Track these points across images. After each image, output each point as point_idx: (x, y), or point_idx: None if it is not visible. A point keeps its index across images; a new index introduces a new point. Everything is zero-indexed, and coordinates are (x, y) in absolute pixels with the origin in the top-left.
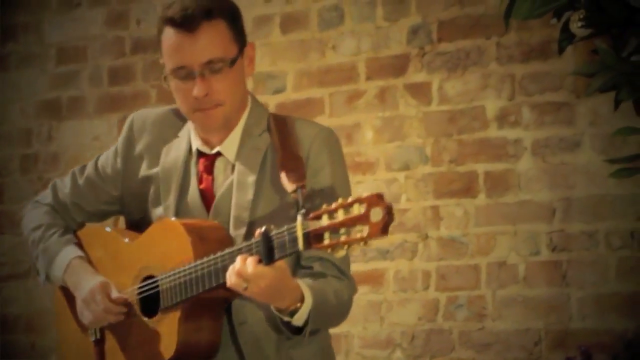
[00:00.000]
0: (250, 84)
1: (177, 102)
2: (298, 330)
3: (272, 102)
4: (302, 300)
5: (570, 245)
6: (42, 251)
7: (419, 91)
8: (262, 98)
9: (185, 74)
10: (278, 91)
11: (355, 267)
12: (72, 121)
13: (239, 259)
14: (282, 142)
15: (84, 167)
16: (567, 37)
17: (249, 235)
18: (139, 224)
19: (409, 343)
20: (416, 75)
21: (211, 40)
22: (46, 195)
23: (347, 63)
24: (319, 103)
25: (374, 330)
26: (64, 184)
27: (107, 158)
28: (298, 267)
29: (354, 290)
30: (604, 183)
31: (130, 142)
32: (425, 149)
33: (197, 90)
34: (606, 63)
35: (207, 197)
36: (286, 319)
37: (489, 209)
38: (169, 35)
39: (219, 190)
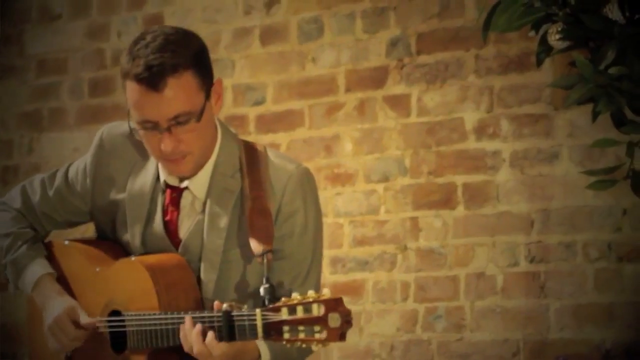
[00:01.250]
0: (229, 96)
1: (147, 149)
2: None
3: (251, 114)
4: (260, 357)
5: (548, 257)
6: (10, 262)
7: (398, 103)
8: (241, 110)
9: (151, 126)
10: (258, 103)
11: (335, 278)
12: (52, 133)
13: (195, 334)
14: (253, 187)
15: (53, 177)
16: (545, 49)
17: (219, 280)
18: (108, 237)
19: (388, 354)
20: (395, 87)
21: (177, 96)
22: (14, 199)
23: (327, 75)
24: (298, 115)
25: (353, 341)
26: (34, 190)
27: (77, 174)
28: None
29: None
30: (581, 194)
31: (99, 163)
32: (404, 161)
33: (164, 146)
34: (584, 75)
35: (171, 230)
36: None
37: (468, 220)
38: (134, 89)
39: (188, 228)
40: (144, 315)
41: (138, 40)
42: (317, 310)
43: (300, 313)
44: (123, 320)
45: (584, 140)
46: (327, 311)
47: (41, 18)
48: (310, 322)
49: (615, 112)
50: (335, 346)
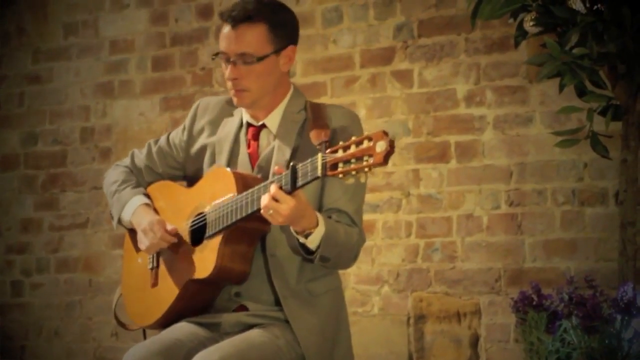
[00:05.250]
0: None
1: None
2: (312, 255)
3: None
4: (316, 226)
5: (524, 201)
6: (116, 200)
7: (403, 77)
8: None
9: (224, 58)
10: (289, 76)
11: None
12: (122, 100)
13: (272, 190)
14: (315, 117)
15: (157, 140)
16: (521, 33)
17: None
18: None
19: (395, 280)
20: (401, 64)
21: (246, 38)
22: (125, 160)
23: (345, 54)
24: (322, 86)
25: (366, 269)
26: (141, 152)
27: (177, 132)
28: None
29: (362, 238)
30: (551, 151)
31: (194, 119)
32: (408, 124)
33: (227, 73)
34: (553, 55)
35: (253, 159)
36: (302, 240)
37: (459, 171)
38: (222, 26)
39: (263, 153)
40: (222, 204)
41: None
42: (367, 144)
43: (353, 149)
44: (204, 216)
45: (552, 107)
46: (376, 141)
47: (113, 6)
48: (361, 153)
49: (578, 84)
50: (351, 272)
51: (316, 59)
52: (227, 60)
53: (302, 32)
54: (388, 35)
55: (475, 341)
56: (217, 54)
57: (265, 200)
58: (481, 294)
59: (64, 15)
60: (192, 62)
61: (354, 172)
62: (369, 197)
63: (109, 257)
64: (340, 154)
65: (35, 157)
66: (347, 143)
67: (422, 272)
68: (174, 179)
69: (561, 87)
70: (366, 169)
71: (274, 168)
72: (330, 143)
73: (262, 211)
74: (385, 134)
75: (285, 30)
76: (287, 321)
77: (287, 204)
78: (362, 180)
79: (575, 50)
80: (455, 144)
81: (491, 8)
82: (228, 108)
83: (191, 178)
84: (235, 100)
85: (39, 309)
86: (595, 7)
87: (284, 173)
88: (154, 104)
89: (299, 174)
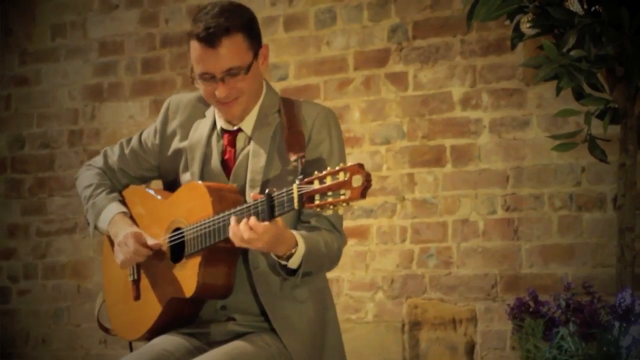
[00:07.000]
0: None
1: (205, 97)
2: (294, 272)
3: (277, 88)
4: (296, 247)
5: (521, 206)
6: (91, 206)
7: (398, 79)
8: None
9: (209, 77)
10: (282, 79)
11: (345, 224)
12: (111, 103)
13: (243, 224)
14: (289, 120)
15: (130, 139)
16: (518, 35)
17: (262, 193)
18: (172, 186)
19: (389, 286)
20: (395, 66)
21: (229, 53)
22: (98, 160)
23: (339, 56)
24: (315, 89)
25: (360, 276)
26: (113, 152)
27: (149, 134)
28: (298, 222)
29: (344, 242)
30: (548, 155)
31: (165, 122)
32: (403, 127)
33: (219, 92)
34: (550, 57)
35: (229, 166)
36: (283, 262)
37: (455, 176)
38: (196, 47)
39: (238, 158)
40: (199, 223)
41: (201, 9)
42: (343, 177)
43: (329, 181)
44: (183, 234)
45: (549, 110)
46: (352, 175)
47: (102, 7)
48: (337, 186)
49: (575, 87)
50: (345, 278)
51: (309, 60)
52: (212, 79)
53: (296, 33)
54: (382, 36)
55: (470, 348)
56: (192, 74)
57: (244, 234)
58: (477, 301)
59: (52, 16)
60: (182, 64)
61: (331, 207)
62: (363, 202)
63: (97, 262)
64: (316, 185)
65: (22, 161)
66: (322, 174)
67: (417, 278)
68: (148, 180)
69: (558, 90)
70: (344, 204)
71: (249, 195)
72: (305, 155)
73: (237, 243)
74: (361, 167)
75: (256, 31)
76: (275, 330)
77: (267, 234)
78: (340, 212)
79: (572, 53)
80: (451, 148)
81: (487, 9)
82: (199, 108)
83: (170, 183)
84: (226, 113)
85: (26, 316)
86: (593, 8)
87: (260, 200)
88: (144, 107)
89: (276, 202)
